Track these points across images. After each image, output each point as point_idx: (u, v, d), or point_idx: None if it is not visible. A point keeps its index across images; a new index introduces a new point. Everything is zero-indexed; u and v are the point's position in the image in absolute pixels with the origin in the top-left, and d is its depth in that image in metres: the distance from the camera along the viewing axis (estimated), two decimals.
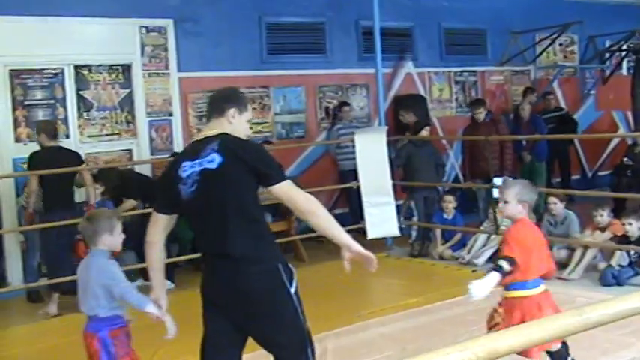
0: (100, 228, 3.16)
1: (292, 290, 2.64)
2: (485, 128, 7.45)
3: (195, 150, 2.73)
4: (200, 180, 2.65)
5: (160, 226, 2.82)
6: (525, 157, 8.29)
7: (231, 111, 2.78)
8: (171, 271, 5.80)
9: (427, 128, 7.75)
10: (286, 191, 2.66)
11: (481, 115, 7.65)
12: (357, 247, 2.63)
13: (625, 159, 7.97)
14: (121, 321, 3.19)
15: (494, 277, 2.93)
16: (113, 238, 3.21)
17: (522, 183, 3.38)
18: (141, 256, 5.45)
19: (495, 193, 7.05)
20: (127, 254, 6.15)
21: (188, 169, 2.68)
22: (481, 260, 6.50)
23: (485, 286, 2.88)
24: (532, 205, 3.29)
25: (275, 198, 2.72)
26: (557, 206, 6.29)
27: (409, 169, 7.17)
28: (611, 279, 5.51)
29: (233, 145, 2.69)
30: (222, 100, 2.84)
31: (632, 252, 5.65)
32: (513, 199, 3.20)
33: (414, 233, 7.08)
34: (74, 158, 5.81)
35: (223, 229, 2.62)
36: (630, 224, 5.66)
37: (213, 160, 2.64)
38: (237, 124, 2.79)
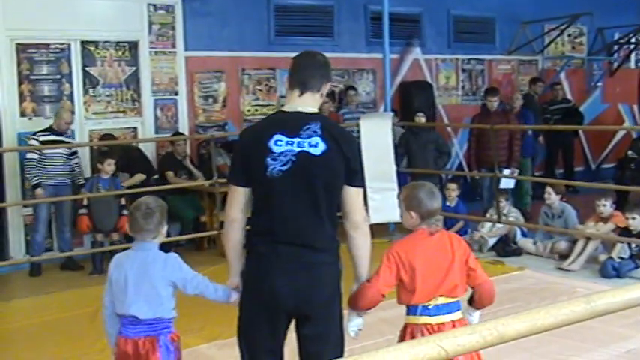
0: (163, 217, 2.71)
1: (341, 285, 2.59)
2: (497, 117, 7.38)
3: (290, 125, 2.46)
4: (296, 162, 2.41)
5: (241, 201, 2.51)
6: None
7: (327, 86, 2.55)
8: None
9: (419, 114, 7.66)
10: (357, 197, 2.53)
11: (495, 103, 7.57)
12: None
13: (629, 152, 7.96)
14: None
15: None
16: None
17: (418, 187, 2.74)
18: None
19: (503, 184, 7.06)
20: None
21: (283, 144, 2.42)
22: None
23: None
24: (426, 215, 2.65)
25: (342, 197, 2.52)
26: (551, 196, 6.30)
27: (408, 155, 7.16)
28: (611, 271, 5.53)
29: (335, 133, 2.49)
30: (320, 73, 2.53)
31: (633, 245, 5.67)
32: (402, 205, 2.72)
33: None
34: None
35: (312, 218, 2.44)
36: (634, 218, 5.66)
37: (316, 144, 2.43)
38: (323, 98, 2.59)
